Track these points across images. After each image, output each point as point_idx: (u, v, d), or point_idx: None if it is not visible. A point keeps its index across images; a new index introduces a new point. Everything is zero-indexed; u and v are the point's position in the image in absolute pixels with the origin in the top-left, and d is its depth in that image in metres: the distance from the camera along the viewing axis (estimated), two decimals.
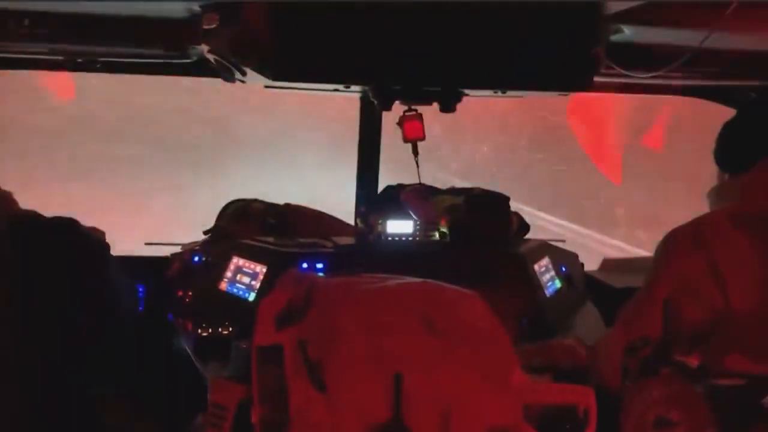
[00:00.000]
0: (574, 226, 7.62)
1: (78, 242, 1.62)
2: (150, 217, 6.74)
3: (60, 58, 2.00)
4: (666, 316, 1.60)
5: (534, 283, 2.10)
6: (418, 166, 2.14)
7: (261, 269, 1.99)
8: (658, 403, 1.18)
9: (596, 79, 1.92)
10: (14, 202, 1.61)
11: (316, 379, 1.12)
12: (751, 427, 1.19)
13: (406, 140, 2.02)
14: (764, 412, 1.19)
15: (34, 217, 1.61)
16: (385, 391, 1.11)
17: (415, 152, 2.09)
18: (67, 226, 1.62)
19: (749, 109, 1.87)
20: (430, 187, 2.44)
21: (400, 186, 2.38)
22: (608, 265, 2.82)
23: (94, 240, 1.72)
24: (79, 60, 1.99)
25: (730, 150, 1.78)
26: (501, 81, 1.80)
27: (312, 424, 1.12)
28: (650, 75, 1.98)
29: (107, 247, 1.76)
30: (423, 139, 2.01)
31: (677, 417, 1.18)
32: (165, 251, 2.30)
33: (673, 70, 1.91)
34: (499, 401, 1.15)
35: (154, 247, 2.35)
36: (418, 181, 2.23)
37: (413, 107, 1.98)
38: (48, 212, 1.62)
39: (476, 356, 1.18)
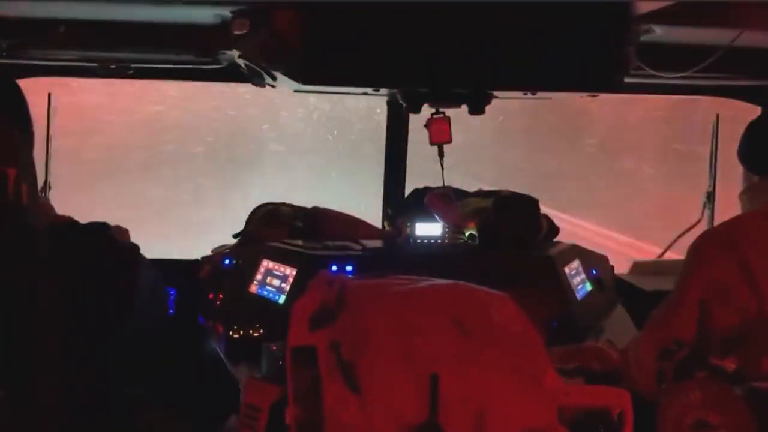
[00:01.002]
0: None
1: (110, 246, 1.66)
2: None
3: (93, 64, 2.03)
4: (700, 319, 1.58)
5: (564, 286, 2.09)
6: (443, 169, 2.13)
7: (291, 272, 2.00)
8: (696, 406, 1.17)
9: (626, 79, 1.91)
10: (52, 208, 1.65)
11: (350, 380, 1.12)
12: None
13: (432, 143, 2.01)
14: None
15: (70, 222, 1.65)
16: (418, 392, 1.11)
17: (441, 155, 2.08)
18: (99, 230, 1.65)
19: None
20: (458, 190, 2.44)
21: (427, 189, 2.38)
22: (638, 268, 2.79)
23: (124, 243, 1.75)
24: (112, 66, 2.02)
25: (760, 150, 1.75)
26: (531, 82, 1.79)
27: (346, 424, 1.12)
28: (680, 75, 1.96)
29: (137, 249, 1.79)
30: (449, 141, 2.00)
31: (717, 420, 1.16)
32: (196, 254, 2.33)
33: (704, 69, 1.88)
34: (534, 402, 1.14)
35: (185, 250, 2.37)
36: (443, 184, 2.22)
37: (441, 110, 1.98)
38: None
39: (509, 357, 1.18)
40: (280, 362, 1.28)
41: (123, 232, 1.83)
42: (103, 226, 1.66)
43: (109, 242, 1.65)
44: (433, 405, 1.08)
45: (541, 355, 1.22)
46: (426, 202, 2.24)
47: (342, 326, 1.19)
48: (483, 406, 1.10)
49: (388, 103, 2.45)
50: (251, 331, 1.93)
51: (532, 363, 1.19)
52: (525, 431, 1.11)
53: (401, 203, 2.52)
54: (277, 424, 1.23)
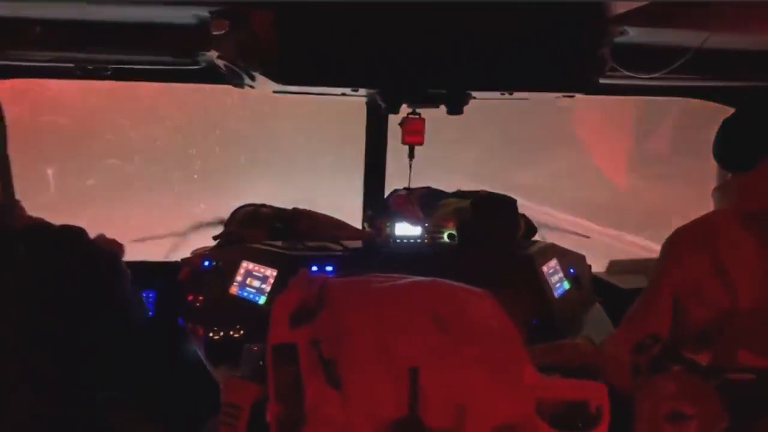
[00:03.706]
0: None
1: (85, 250, 1.65)
2: None
3: (70, 65, 2.01)
4: (674, 314, 1.61)
5: (542, 285, 2.11)
6: (410, 170, 2.15)
7: (271, 273, 2.00)
8: (671, 398, 1.20)
9: (601, 80, 1.94)
10: (23, 210, 1.64)
11: (331, 377, 1.13)
12: (760, 420, 1.20)
13: (404, 143, 2.03)
14: None
15: (44, 225, 1.64)
16: (397, 387, 1.12)
17: (411, 156, 2.10)
18: (75, 234, 1.64)
19: (751, 107, 1.86)
20: (437, 190, 2.46)
21: (407, 190, 2.39)
22: (615, 266, 2.83)
23: (102, 249, 1.74)
24: (90, 67, 2.01)
25: (733, 148, 1.77)
26: (507, 82, 1.81)
27: (327, 421, 1.13)
28: (653, 76, 1.99)
29: (117, 256, 1.78)
30: (421, 143, 2.01)
31: (691, 410, 1.19)
32: (176, 256, 2.32)
33: (676, 70, 1.92)
34: (512, 396, 1.16)
35: (166, 252, 2.36)
36: (408, 184, 2.24)
37: (417, 110, 2.00)
38: None
39: (487, 353, 1.19)
40: (261, 362, 1.29)
41: (112, 243, 1.81)
42: (79, 230, 1.65)
43: (84, 245, 1.64)
44: (412, 397, 1.09)
45: (519, 350, 1.24)
46: (391, 203, 2.26)
47: (322, 323, 1.20)
48: (462, 400, 1.11)
49: (367, 103, 2.46)
50: (231, 333, 1.93)
51: (510, 358, 1.21)
52: (503, 424, 1.13)
53: (381, 204, 2.53)
54: (258, 422, 1.24)
